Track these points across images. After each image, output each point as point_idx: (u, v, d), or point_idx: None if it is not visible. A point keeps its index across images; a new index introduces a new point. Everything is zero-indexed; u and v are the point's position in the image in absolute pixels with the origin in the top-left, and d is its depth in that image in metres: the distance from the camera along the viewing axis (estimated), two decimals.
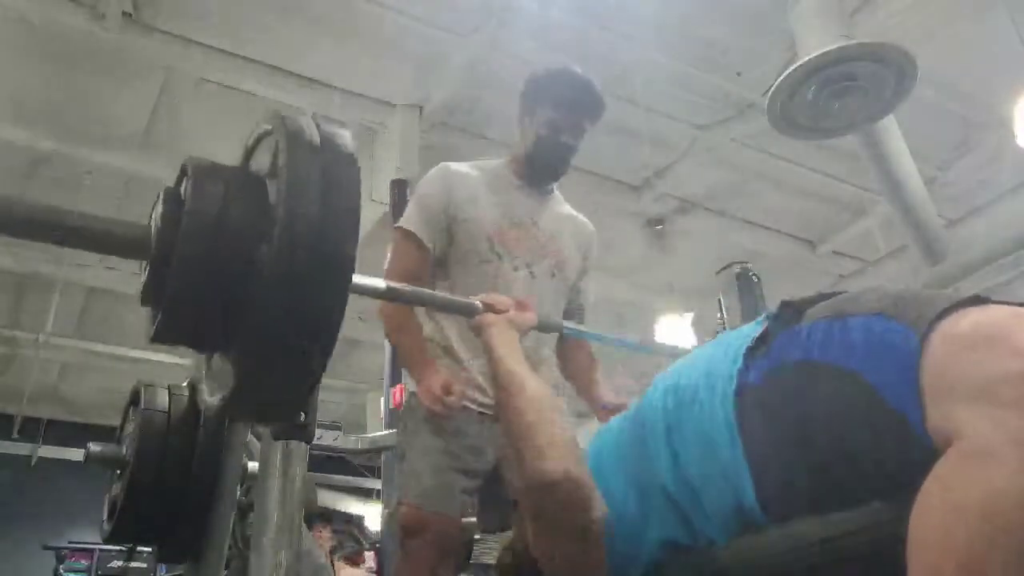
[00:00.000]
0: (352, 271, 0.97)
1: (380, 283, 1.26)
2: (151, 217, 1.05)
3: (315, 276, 0.92)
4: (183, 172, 1.05)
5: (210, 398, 1.07)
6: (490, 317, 1.30)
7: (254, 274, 0.94)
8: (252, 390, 0.99)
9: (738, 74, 4.65)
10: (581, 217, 2.05)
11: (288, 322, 0.92)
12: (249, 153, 1.13)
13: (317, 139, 1.00)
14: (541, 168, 1.93)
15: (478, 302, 1.32)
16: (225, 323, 0.97)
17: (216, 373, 1.09)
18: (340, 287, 0.95)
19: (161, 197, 1.03)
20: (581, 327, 1.67)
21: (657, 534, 0.94)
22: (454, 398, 1.66)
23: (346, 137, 1.03)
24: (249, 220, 0.97)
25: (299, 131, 1.00)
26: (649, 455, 0.96)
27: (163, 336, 1.03)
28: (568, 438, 1.02)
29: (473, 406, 1.74)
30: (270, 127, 1.04)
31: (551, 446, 1.00)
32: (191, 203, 0.98)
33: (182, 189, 1.03)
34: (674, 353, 1.74)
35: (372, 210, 4.76)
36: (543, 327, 1.44)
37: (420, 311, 1.86)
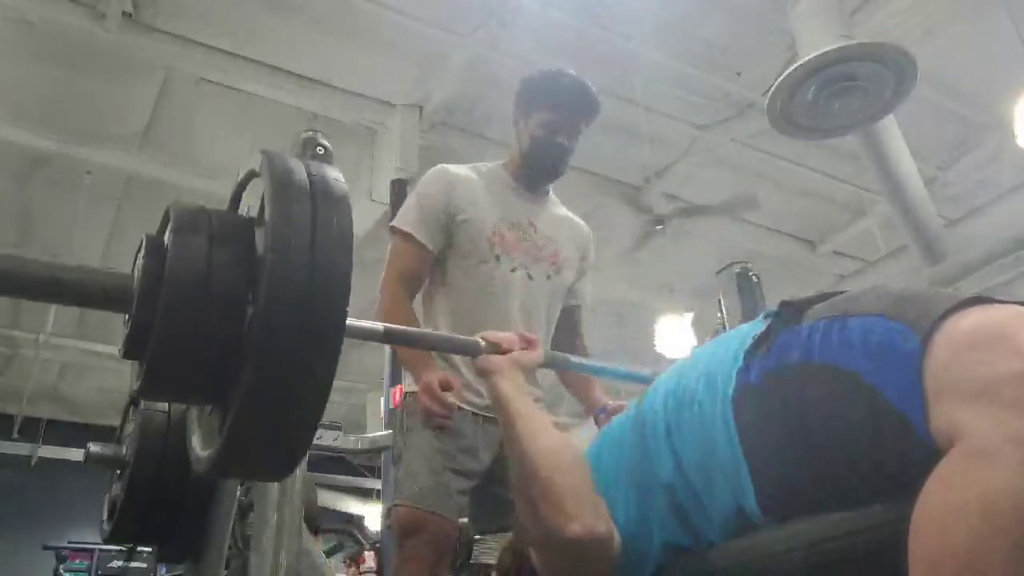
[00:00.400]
0: (343, 327, 0.93)
1: (377, 326, 1.19)
2: (134, 267, 1.01)
3: (304, 334, 0.88)
4: (165, 219, 1.00)
5: (201, 452, 1.04)
6: (495, 359, 1.21)
7: (241, 329, 0.91)
8: (241, 449, 0.95)
9: (738, 74, 4.65)
10: (578, 219, 2.05)
11: (278, 381, 0.89)
12: (236, 196, 1.09)
13: (306, 183, 0.94)
14: (538, 169, 1.93)
15: (481, 340, 1.24)
16: (212, 378, 0.94)
17: (206, 425, 1.06)
18: (331, 344, 0.91)
19: (143, 247, 0.99)
20: (586, 361, 1.64)
21: (659, 537, 0.94)
22: (452, 396, 1.66)
23: (338, 178, 0.98)
24: (235, 273, 0.93)
25: (287, 175, 0.95)
26: (650, 456, 0.96)
27: (148, 393, 1.00)
28: (586, 490, 0.97)
29: (468, 407, 1.74)
30: (257, 169, 0.99)
31: (571, 502, 0.95)
32: (174, 255, 0.94)
33: (165, 237, 0.98)
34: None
35: (372, 210, 4.76)
36: (549, 364, 1.38)
37: (417, 308, 1.86)
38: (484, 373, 1.21)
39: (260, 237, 0.95)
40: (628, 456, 1.00)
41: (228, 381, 0.92)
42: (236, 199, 1.10)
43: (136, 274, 0.99)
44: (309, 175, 0.96)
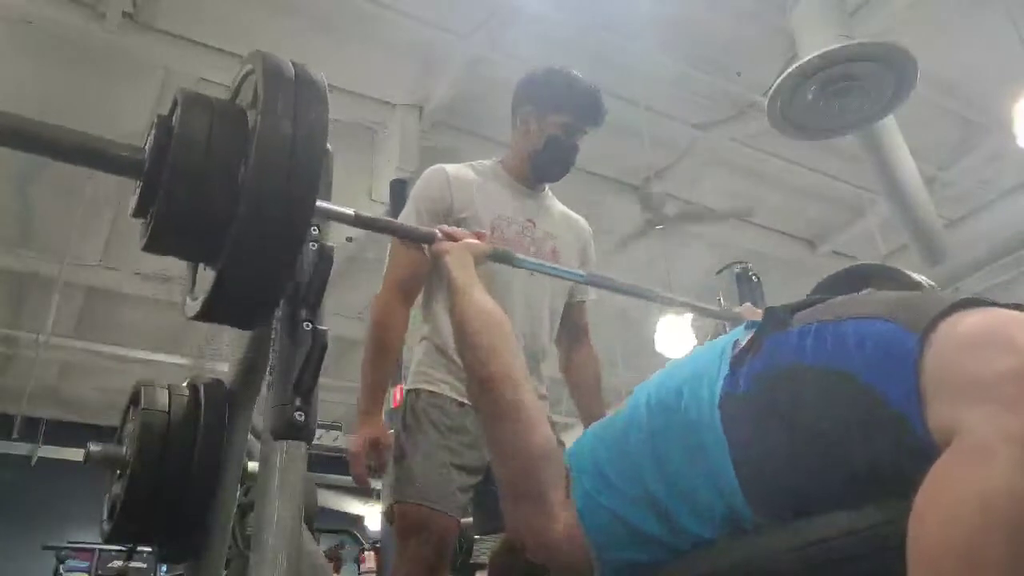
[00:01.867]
0: (316, 188, 1.11)
1: (348, 210, 1.31)
2: (145, 142, 1.17)
3: (285, 191, 1.06)
4: (175, 102, 1.16)
5: (192, 302, 1.21)
6: (447, 244, 1.37)
7: (235, 191, 1.07)
8: (229, 292, 1.12)
9: (738, 74, 4.65)
10: (576, 216, 2.07)
11: (262, 231, 1.06)
12: (236, 89, 1.26)
13: (292, 74, 1.14)
14: (547, 168, 1.94)
15: (437, 232, 1.41)
16: (208, 236, 1.10)
17: (198, 286, 1.24)
18: (308, 202, 1.10)
19: (155, 123, 1.15)
20: (531, 259, 1.66)
21: (642, 538, 0.94)
22: (374, 462, 1.71)
23: (319, 74, 1.17)
24: (231, 143, 1.11)
25: (277, 67, 1.14)
26: (633, 459, 0.96)
27: (153, 245, 1.16)
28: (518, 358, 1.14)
29: (469, 402, 1.75)
30: (253, 66, 1.17)
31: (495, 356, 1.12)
32: (180, 129, 1.11)
33: (173, 118, 1.14)
34: (643, 295, 1.70)
35: (372, 210, 4.75)
36: (497, 256, 1.48)
37: (415, 316, 1.87)
38: (437, 255, 1.37)
39: (252, 116, 1.12)
40: (614, 456, 1.00)
41: (221, 238, 1.08)
42: (235, 92, 1.26)
43: (147, 145, 1.15)
44: (295, 69, 1.16)
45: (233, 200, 1.07)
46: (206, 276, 1.19)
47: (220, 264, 1.10)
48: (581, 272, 1.78)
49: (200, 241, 1.14)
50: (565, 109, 1.89)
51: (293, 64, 1.16)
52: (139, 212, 1.18)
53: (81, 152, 1.20)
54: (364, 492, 8.42)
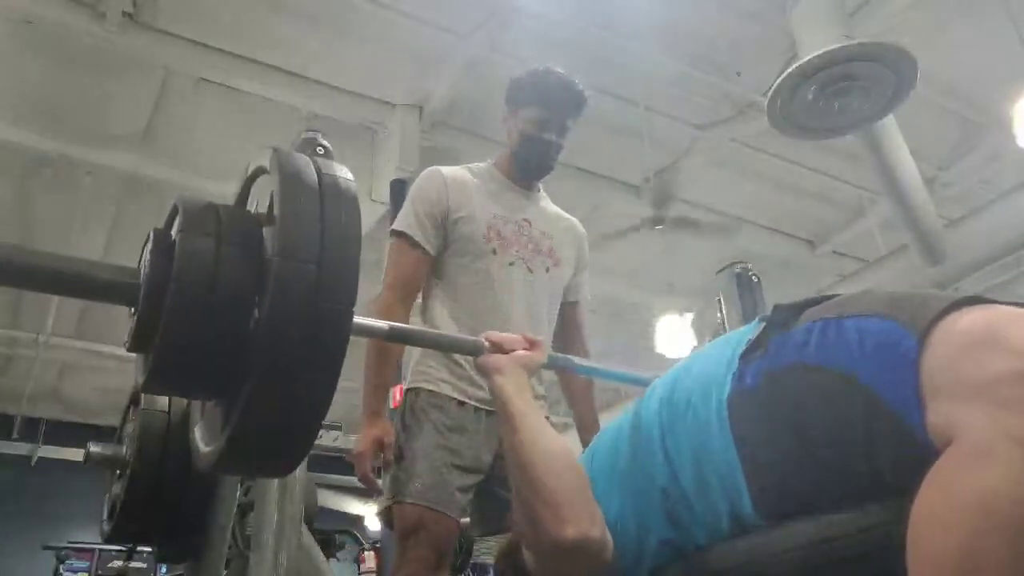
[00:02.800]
0: (351, 326, 0.95)
1: (382, 325, 1.19)
2: (140, 260, 1.01)
3: (311, 335, 0.89)
4: (174, 212, 1.00)
5: (204, 447, 1.05)
6: (498, 359, 1.19)
7: (248, 327, 0.92)
8: (244, 446, 0.96)
9: (738, 74, 4.65)
10: (570, 216, 2.08)
11: (282, 380, 0.89)
12: (244, 191, 1.10)
13: (316, 182, 0.95)
14: (528, 165, 1.95)
15: (484, 341, 1.23)
16: (217, 375, 0.95)
17: (209, 420, 1.06)
18: (338, 342, 0.92)
19: (151, 240, 0.99)
20: (589, 363, 1.65)
21: (654, 539, 0.94)
22: (379, 461, 1.70)
23: (347, 178, 0.98)
24: (243, 272, 0.94)
25: (296, 173, 0.95)
26: (644, 460, 0.96)
27: (152, 387, 1.01)
28: (583, 495, 0.97)
29: (471, 402, 1.75)
30: (266, 165, 0.99)
31: (567, 506, 0.94)
32: (181, 251, 0.94)
33: (173, 232, 0.99)
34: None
35: (372, 210, 4.76)
36: (552, 364, 1.38)
37: (416, 310, 1.87)
38: (486, 372, 1.20)
39: (268, 235, 0.95)
40: (623, 459, 1.01)
41: (233, 377, 0.92)
42: (244, 195, 1.11)
43: (143, 268, 0.99)
44: (319, 174, 0.95)
45: (247, 341, 0.91)
46: (218, 413, 1.04)
47: (235, 414, 0.93)
48: (646, 378, 1.67)
49: (209, 385, 0.99)
50: (533, 102, 1.90)
51: (315, 165, 0.98)
52: (136, 346, 1.00)
53: (66, 280, 1.01)
54: (364, 492, 8.41)
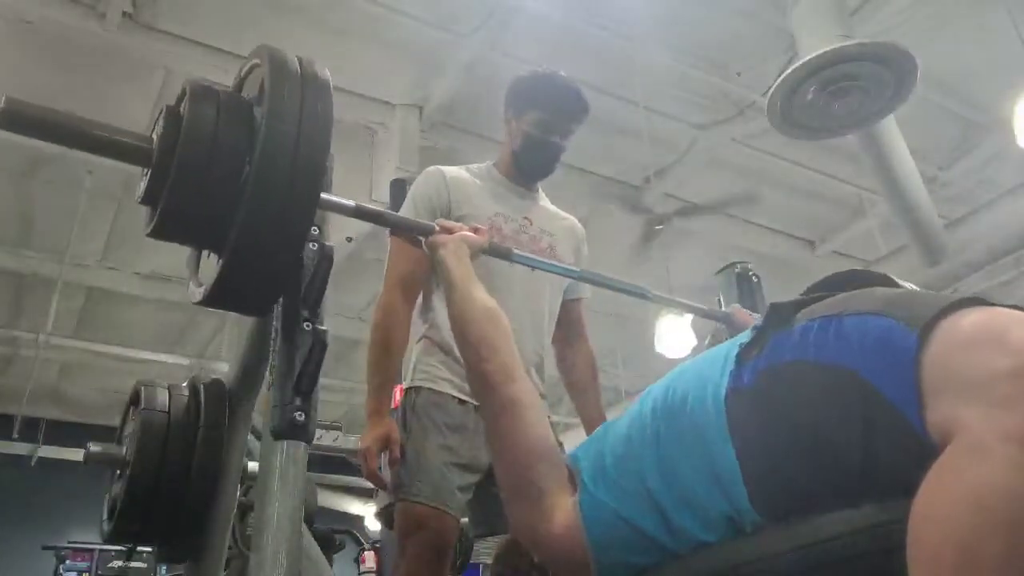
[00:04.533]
0: (320, 186, 1.14)
1: (349, 202, 1.33)
2: (152, 131, 1.20)
3: (289, 188, 1.10)
4: (183, 92, 1.20)
5: (196, 288, 1.25)
6: (443, 236, 1.37)
7: (240, 183, 1.11)
8: (235, 279, 1.16)
9: (738, 74, 4.65)
10: (569, 216, 2.09)
11: (265, 224, 1.10)
12: (241, 81, 1.29)
13: (298, 70, 1.17)
14: (529, 166, 1.96)
15: (435, 225, 1.42)
16: (214, 225, 1.13)
17: (203, 273, 1.27)
18: (311, 198, 1.13)
19: (163, 113, 1.18)
20: (534, 256, 1.68)
21: (645, 538, 0.94)
22: (389, 457, 1.69)
23: (324, 71, 1.20)
24: (237, 138, 1.14)
25: (283, 63, 1.17)
26: (636, 459, 0.97)
27: (160, 231, 1.19)
28: (505, 342, 1.15)
29: (472, 401, 1.75)
30: (259, 60, 1.20)
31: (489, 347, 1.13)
32: (188, 121, 1.14)
33: (181, 108, 1.18)
34: (634, 292, 1.73)
35: None
36: (493, 250, 1.50)
37: (416, 321, 1.87)
38: (432, 249, 1.37)
39: (258, 112, 1.15)
40: (617, 458, 1.01)
41: (226, 226, 1.11)
42: (240, 84, 1.29)
43: (156, 134, 1.18)
44: (301, 67, 1.18)
45: (239, 191, 1.10)
46: (210, 263, 1.23)
47: (225, 253, 1.13)
48: (576, 268, 1.79)
49: (205, 230, 1.17)
50: (540, 105, 1.91)
51: (299, 60, 1.19)
52: (147, 200, 1.20)
53: (91, 139, 1.21)
54: (364, 492, 8.42)
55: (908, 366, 0.73)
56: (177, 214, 1.16)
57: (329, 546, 4.02)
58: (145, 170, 1.19)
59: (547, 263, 1.70)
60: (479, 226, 1.47)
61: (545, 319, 1.90)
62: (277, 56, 1.18)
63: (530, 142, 1.92)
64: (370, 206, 1.41)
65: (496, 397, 1.10)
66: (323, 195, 1.19)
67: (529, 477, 1.03)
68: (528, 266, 1.68)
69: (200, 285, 1.24)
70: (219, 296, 1.21)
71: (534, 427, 1.07)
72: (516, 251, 1.57)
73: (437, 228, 1.41)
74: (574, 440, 1.63)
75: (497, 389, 1.10)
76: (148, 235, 1.21)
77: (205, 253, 1.30)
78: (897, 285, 0.96)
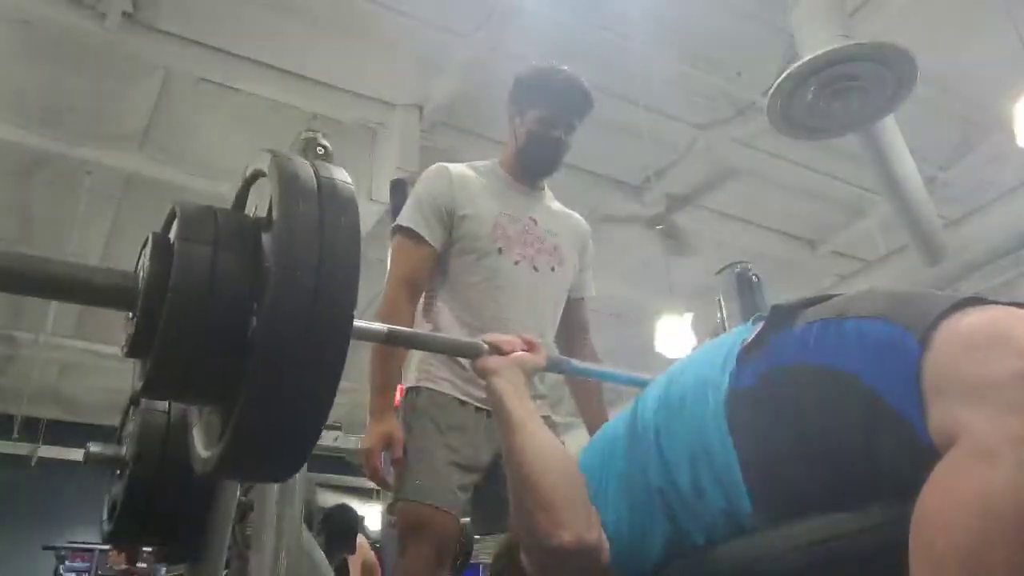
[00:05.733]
0: (350, 332, 0.94)
1: (381, 328, 1.19)
2: (138, 264, 1.00)
3: (309, 342, 0.88)
4: (171, 216, 1.01)
5: (204, 452, 1.04)
6: (496, 360, 1.18)
7: (246, 332, 0.92)
8: (244, 451, 0.95)
9: (738, 74, 4.65)
10: (575, 214, 2.07)
11: (282, 386, 0.89)
12: (242, 195, 1.09)
13: (314, 185, 0.94)
14: (533, 163, 1.94)
15: (483, 343, 1.22)
16: (216, 380, 0.94)
17: (208, 425, 1.06)
18: (337, 349, 0.91)
19: (149, 244, 0.98)
20: (589, 366, 1.66)
21: (653, 540, 0.94)
22: (391, 457, 1.69)
23: (345, 180, 0.97)
24: (241, 278, 0.93)
25: (294, 177, 0.94)
26: (640, 460, 0.96)
27: (151, 392, 1.01)
28: (580, 498, 0.96)
29: (471, 401, 1.74)
30: (263, 168, 0.99)
31: (563, 510, 0.93)
32: (180, 257, 0.94)
33: (171, 235, 0.98)
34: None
35: (372, 210, 4.76)
36: (552, 368, 1.36)
37: (419, 321, 1.86)
38: (484, 374, 1.18)
39: (267, 241, 0.94)
40: (619, 461, 1.00)
41: (231, 383, 0.91)
42: (242, 198, 1.10)
43: (141, 273, 0.98)
44: (317, 178, 0.94)
45: (245, 347, 0.91)
46: (214, 420, 1.04)
47: (233, 420, 0.93)
48: (643, 379, 1.65)
49: (208, 389, 0.98)
50: (540, 101, 1.89)
51: (314, 168, 0.97)
52: (133, 352, 1.01)
53: (64, 286, 1.01)
54: (364, 492, 8.42)
55: (909, 369, 0.73)
56: (170, 372, 0.95)
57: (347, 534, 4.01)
58: (130, 315, 1.00)
59: (599, 372, 1.63)
60: (531, 339, 1.27)
61: (548, 323, 1.90)
62: (287, 168, 0.95)
63: (533, 138, 1.90)
64: (404, 329, 1.30)
65: (568, 567, 0.97)
66: (356, 324, 1.00)
67: (546, 489, 0.97)
68: (589, 376, 1.68)
69: (208, 450, 1.03)
70: (230, 465, 1.01)
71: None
72: (576, 363, 1.51)
73: (486, 348, 1.21)
74: (574, 440, 1.63)
75: (573, 563, 0.96)
76: (140, 395, 1.03)
77: (209, 410, 1.11)
78: None
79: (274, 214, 0.92)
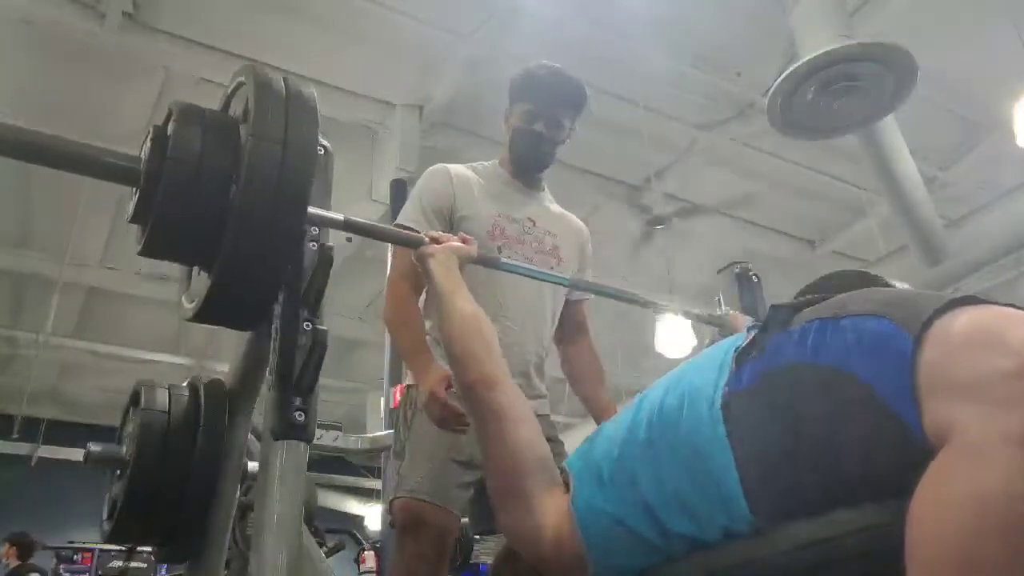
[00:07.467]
0: (306, 204, 1.17)
1: (338, 216, 1.34)
2: (141, 151, 1.22)
3: (275, 205, 1.12)
4: (169, 113, 1.23)
5: (188, 305, 1.29)
6: (432, 247, 1.39)
7: (226, 201, 1.14)
8: (223, 295, 1.19)
9: (738, 74, 4.66)
10: (573, 216, 2.08)
11: (253, 241, 1.13)
12: (227, 100, 1.32)
13: (283, 90, 1.19)
14: (521, 160, 1.95)
15: (424, 236, 1.45)
16: (202, 242, 1.16)
17: (193, 289, 1.32)
18: (297, 216, 1.17)
19: (150, 135, 1.20)
20: (520, 264, 1.69)
21: (644, 541, 0.94)
22: (454, 397, 1.65)
23: (308, 89, 1.23)
24: (223, 157, 1.17)
25: (267, 83, 1.20)
26: (628, 463, 0.96)
27: (149, 250, 1.22)
28: (483, 343, 1.20)
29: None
30: (244, 79, 1.23)
31: (470, 355, 1.17)
32: (175, 141, 1.17)
33: (168, 128, 1.20)
34: (628, 298, 1.81)
35: (372, 209, 4.76)
36: (482, 260, 1.51)
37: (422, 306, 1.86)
38: (422, 259, 1.39)
39: (244, 130, 1.18)
40: (612, 462, 1.00)
41: (214, 242, 1.14)
42: (226, 103, 1.31)
43: (143, 154, 1.20)
44: (286, 86, 1.21)
45: (226, 209, 1.13)
46: (201, 280, 1.25)
47: (214, 270, 1.15)
48: (565, 277, 1.82)
49: (194, 247, 1.19)
50: (523, 96, 1.91)
51: (284, 79, 1.21)
52: (136, 218, 1.23)
53: (79, 160, 1.22)
54: (364, 492, 8.42)
55: (904, 367, 0.73)
56: (166, 232, 1.18)
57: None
58: (134, 190, 1.21)
59: (536, 271, 1.71)
60: (467, 236, 1.48)
61: (547, 318, 1.90)
62: (261, 75, 1.20)
63: (516, 135, 1.92)
64: (359, 219, 1.42)
65: (481, 406, 1.12)
66: (311, 210, 1.21)
67: (517, 477, 1.04)
68: (518, 273, 1.68)
69: (192, 301, 1.26)
70: (209, 312, 1.23)
71: (519, 432, 1.08)
72: (505, 260, 1.59)
73: (426, 239, 1.42)
74: (575, 439, 1.64)
75: (482, 398, 1.12)
76: (139, 254, 1.23)
77: (196, 270, 1.32)
78: (890, 286, 0.96)
79: (249, 105, 1.16)
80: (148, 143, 1.20)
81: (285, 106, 1.17)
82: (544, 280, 1.75)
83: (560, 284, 1.84)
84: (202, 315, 1.24)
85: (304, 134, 1.17)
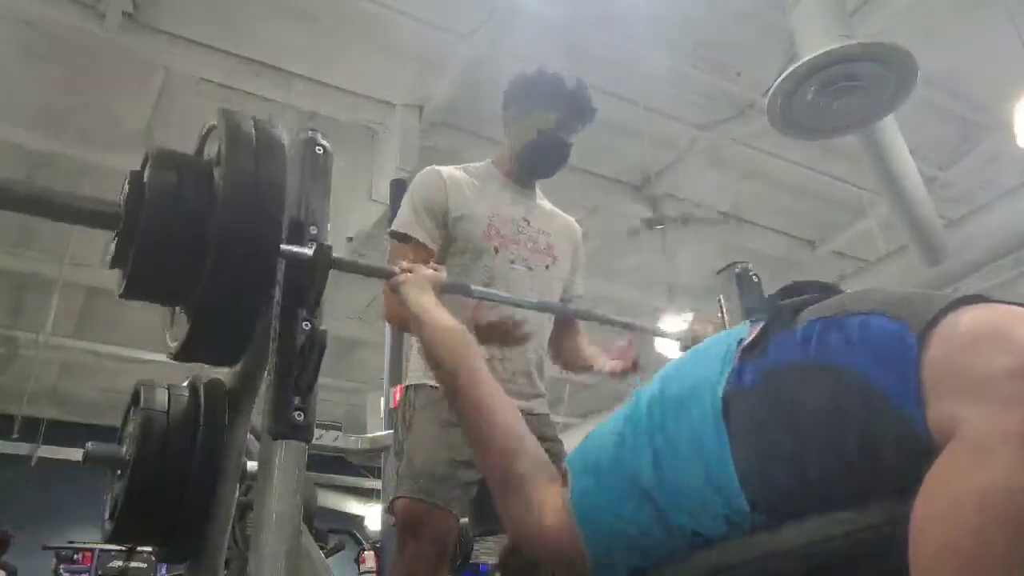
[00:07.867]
0: (279, 242, 1.24)
1: (307, 251, 1.35)
2: (120, 197, 1.28)
3: (248, 243, 1.20)
4: (145, 159, 1.30)
5: (172, 344, 1.35)
6: (404, 275, 1.46)
7: (202, 242, 1.19)
8: (201, 335, 1.26)
9: (738, 74, 4.66)
10: (566, 215, 2.09)
11: (229, 280, 1.20)
12: (201, 144, 1.40)
13: (253, 133, 1.27)
14: (539, 165, 1.95)
15: (396, 268, 1.51)
16: (181, 284, 1.23)
17: (177, 328, 1.37)
18: (270, 253, 1.24)
19: (128, 180, 1.28)
20: (489, 290, 1.70)
21: (643, 538, 0.94)
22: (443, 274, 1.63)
23: (278, 131, 1.31)
24: (198, 201, 1.24)
25: (237, 127, 1.27)
26: (628, 460, 0.96)
27: (130, 293, 1.27)
28: (460, 341, 1.24)
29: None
30: (215, 123, 1.31)
31: (443, 346, 1.23)
32: (152, 186, 1.24)
33: (145, 174, 1.27)
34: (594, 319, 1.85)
35: (372, 209, 4.76)
36: (450, 288, 1.54)
37: None
38: (396, 287, 1.45)
39: (217, 173, 1.25)
40: (611, 456, 1.00)
41: (193, 282, 1.20)
42: (201, 147, 1.38)
43: (122, 200, 1.27)
44: (255, 127, 1.29)
45: (201, 251, 1.19)
46: (182, 319, 1.32)
47: (193, 309, 1.23)
48: (538, 301, 1.84)
49: (173, 288, 1.27)
50: (554, 104, 1.91)
51: (254, 121, 1.30)
52: (116, 263, 1.28)
53: (63, 209, 1.29)
54: (364, 492, 8.42)
55: (909, 366, 0.73)
56: (145, 276, 1.24)
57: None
58: (114, 235, 1.27)
59: (510, 298, 1.73)
60: (437, 266, 1.54)
61: (544, 318, 1.91)
62: (232, 120, 1.28)
63: (543, 139, 1.91)
64: (333, 254, 1.37)
65: (467, 402, 1.15)
66: (283, 247, 1.27)
67: (510, 471, 1.05)
68: (489, 300, 1.70)
69: (175, 340, 1.32)
70: (190, 350, 1.29)
71: (507, 424, 1.11)
72: (475, 287, 1.62)
73: (398, 270, 1.48)
74: (575, 439, 1.64)
75: (466, 396, 1.15)
76: (120, 296, 1.28)
77: (178, 310, 1.38)
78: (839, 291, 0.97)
79: (222, 154, 1.23)
80: (126, 188, 1.26)
81: (255, 150, 1.24)
82: (520, 306, 1.77)
83: (543, 310, 1.86)
84: (184, 353, 1.30)
85: (274, 176, 1.24)
